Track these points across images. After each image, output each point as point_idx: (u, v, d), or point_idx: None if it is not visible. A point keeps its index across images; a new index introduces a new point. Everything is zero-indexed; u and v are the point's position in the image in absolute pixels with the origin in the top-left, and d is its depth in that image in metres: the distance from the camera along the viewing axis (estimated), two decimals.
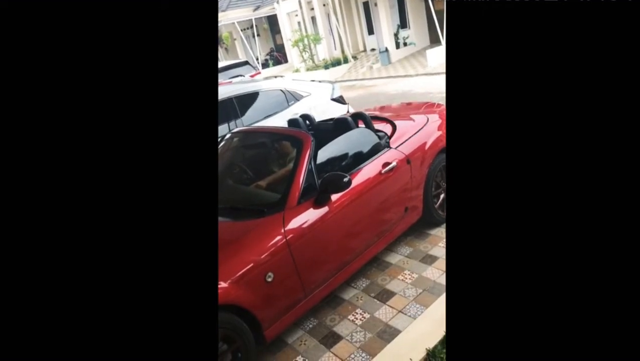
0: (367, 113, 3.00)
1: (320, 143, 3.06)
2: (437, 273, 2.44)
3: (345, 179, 2.12)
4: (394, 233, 2.66)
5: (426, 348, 1.80)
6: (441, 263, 2.52)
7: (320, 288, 2.22)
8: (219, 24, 17.93)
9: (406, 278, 2.46)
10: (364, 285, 2.49)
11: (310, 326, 2.26)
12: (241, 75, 9.45)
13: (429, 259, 2.59)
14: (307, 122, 3.29)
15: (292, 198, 2.12)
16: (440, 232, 2.84)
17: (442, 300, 2.14)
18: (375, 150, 2.59)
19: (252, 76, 9.39)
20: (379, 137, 2.75)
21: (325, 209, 2.17)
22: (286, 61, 17.38)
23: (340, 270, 2.31)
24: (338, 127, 2.81)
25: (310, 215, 2.12)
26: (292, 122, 3.23)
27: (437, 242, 2.75)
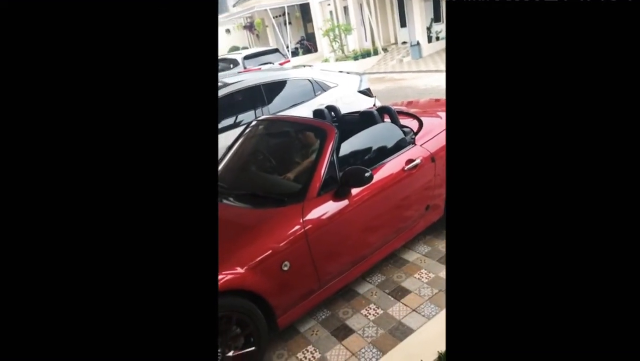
0: (393, 107, 2.96)
1: (344, 136, 3.05)
2: None
3: (367, 174, 2.11)
4: (414, 231, 2.63)
5: (438, 351, 1.78)
6: None
7: (335, 280, 2.22)
8: (252, 10, 18.01)
9: (422, 277, 2.44)
10: (379, 281, 2.48)
11: (323, 317, 2.27)
12: (270, 63, 9.50)
13: None
14: (333, 113, 3.28)
15: (313, 190, 2.12)
16: None
17: None
18: (399, 146, 2.55)
19: (281, 64, 9.41)
20: (404, 133, 2.71)
21: (345, 202, 2.16)
22: (316, 50, 17.29)
23: (356, 264, 2.31)
24: (363, 120, 2.79)
25: (329, 207, 2.12)
26: (317, 113, 3.22)
27: None
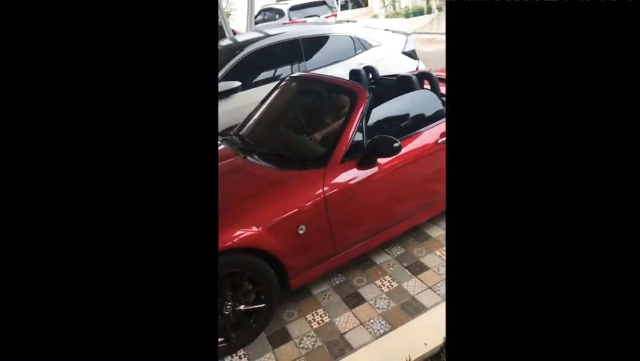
0: (435, 74, 2.77)
1: (379, 100, 2.92)
2: None
3: (396, 144, 2.00)
4: (440, 207, 2.53)
5: (444, 337, 1.74)
6: None
7: (352, 248, 2.20)
8: None
9: (443, 255, 2.37)
10: (398, 253, 2.44)
11: (337, 282, 2.27)
12: (317, 16, 9.16)
13: None
14: (370, 75, 3.12)
15: (337, 155, 2.05)
16: None
17: None
18: (435, 117, 2.40)
19: (327, 17, 9.06)
20: (443, 103, 2.54)
21: (369, 171, 2.09)
22: (367, 5, 16.45)
23: (376, 234, 2.26)
24: (401, 85, 2.63)
25: (352, 176, 2.06)
26: (354, 73, 3.08)
27: None
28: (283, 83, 2.86)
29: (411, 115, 2.40)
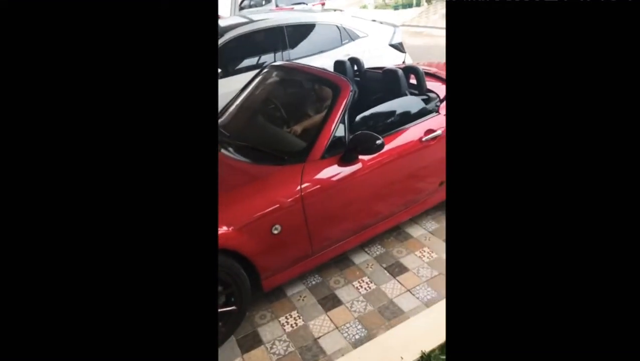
0: (423, 68, 2.68)
1: (364, 94, 2.81)
2: None
3: (379, 141, 1.91)
4: (423, 206, 2.46)
5: (421, 351, 1.67)
6: None
7: (331, 248, 2.11)
8: None
9: (424, 256, 2.30)
10: (377, 253, 2.36)
11: (313, 283, 2.19)
12: (304, 3, 8.94)
13: None
14: (355, 66, 3.01)
15: (317, 151, 1.95)
16: None
17: None
18: (420, 114, 2.31)
19: (314, 5, 8.85)
20: (430, 99, 2.46)
21: (350, 169, 1.99)
22: None
23: (355, 234, 2.18)
24: (387, 79, 2.53)
25: (332, 172, 1.95)
26: (338, 64, 2.96)
27: None
28: (264, 72, 2.73)
29: (395, 112, 2.30)
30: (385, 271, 2.21)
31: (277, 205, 1.80)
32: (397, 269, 2.22)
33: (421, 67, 2.65)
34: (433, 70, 3.01)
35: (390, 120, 2.27)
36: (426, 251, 2.33)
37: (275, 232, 1.81)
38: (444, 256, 2.28)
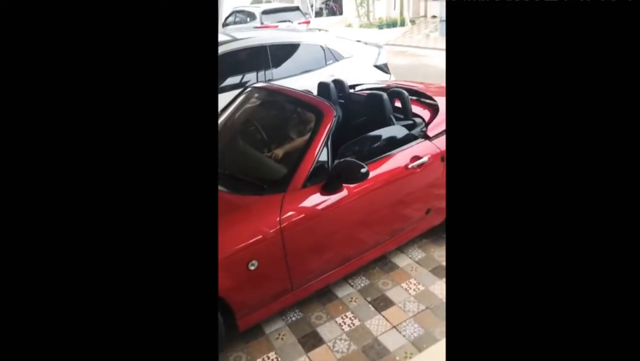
0: (408, 87, 2.62)
1: (349, 117, 2.73)
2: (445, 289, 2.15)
3: (363, 170, 1.81)
4: (409, 235, 2.36)
5: None
6: None
7: (312, 282, 1.98)
8: None
9: (410, 288, 2.19)
10: (361, 285, 2.24)
11: (293, 318, 2.05)
12: (289, 21, 8.97)
13: (441, 271, 2.29)
14: (339, 88, 2.94)
15: (298, 179, 1.84)
16: None
17: (442, 342, 1.86)
18: (405, 141, 2.23)
19: (300, 23, 8.89)
20: (415, 124, 2.39)
21: (332, 198, 1.88)
22: (341, 13, 16.46)
23: (339, 265, 2.06)
24: (371, 103, 2.46)
25: (314, 202, 1.84)
26: (322, 86, 2.88)
27: None
28: (245, 92, 2.63)
29: (379, 139, 2.21)
30: (370, 306, 2.09)
31: (254, 240, 1.68)
32: (382, 303, 2.10)
33: (406, 86, 2.59)
34: (418, 87, 2.95)
35: (374, 147, 2.18)
36: (412, 283, 2.23)
37: (252, 267, 1.68)
38: (430, 288, 2.18)
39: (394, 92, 2.48)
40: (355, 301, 2.14)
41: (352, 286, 2.24)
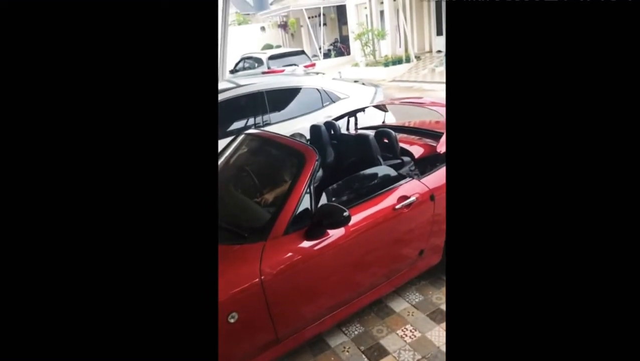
0: (396, 127, 2.62)
1: (341, 158, 2.74)
2: (443, 338, 2.03)
3: (345, 213, 1.78)
4: (405, 277, 2.28)
5: None
6: None
7: (302, 331, 1.91)
8: (288, 10, 17.88)
9: (406, 335, 2.09)
10: (355, 333, 2.15)
11: None
12: (295, 65, 9.26)
13: (439, 316, 2.18)
14: (332, 131, 2.96)
15: (279, 226, 1.81)
16: None
17: None
18: (392, 181, 2.20)
19: (306, 67, 9.16)
20: (403, 163, 2.36)
21: (316, 244, 1.84)
22: (349, 53, 16.96)
23: (330, 313, 1.98)
24: (358, 143, 2.46)
25: (297, 249, 1.81)
26: (314, 129, 2.92)
27: None
28: (239, 139, 2.68)
29: (364, 181, 2.19)
30: (364, 356, 1.99)
31: (233, 292, 1.64)
32: (376, 353, 2.00)
33: (400, 126, 2.59)
34: (411, 125, 2.94)
35: (360, 188, 2.16)
36: (409, 329, 2.12)
37: (232, 320, 1.63)
38: (427, 335, 2.07)
39: (380, 133, 2.48)
40: (348, 351, 2.04)
41: (345, 334, 2.15)
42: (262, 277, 1.69)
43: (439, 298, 2.32)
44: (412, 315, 2.22)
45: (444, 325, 2.11)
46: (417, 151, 2.54)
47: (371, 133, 2.43)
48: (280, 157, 2.45)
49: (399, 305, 2.31)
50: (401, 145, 2.55)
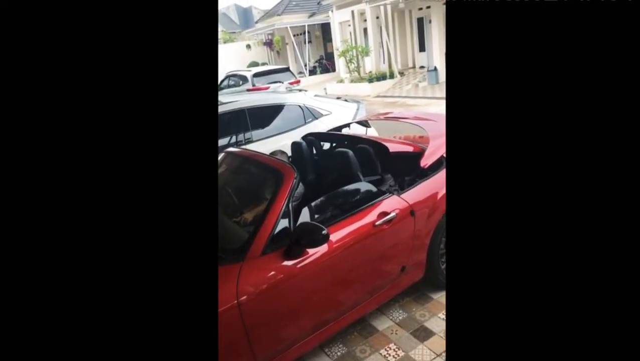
0: (385, 143, 2.62)
1: (323, 174, 2.73)
2: (427, 356, 2.00)
3: (324, 232, 1.75)
4: (388, 294, 2.25)
5: None
6: (435, 343, 2.07)
7: (283, 354, 1.86)
8: (274, 28, 18.11)
9: (389, 355, 2.05)
10: (338, 353, 2.10)
11: None
12: (280, 82, 9.32)
13: (423, 333, 2.15)
14: (313, 147, 2.96)
15: (257, 247, 1.78)
16: (444, 298, 2.39)
17: None
18: (372, 197, 2.19)
19: (290, 83, 9.23)
20: (384, 179, 2.36)
21: (296, 264, 1.81)
22: (334, 70, 17.18)
23: (313, 333, 1.94)
24: (338, 160, 2.46)
25: (275, 270, 1.77)
26: (295, 145, 2.91)
27: (437, 311, 2.30)
28: (219, 159, 2.65)
29: (343, 198, 2.18)
30: None
31: None
32: None
33: (376, 142, 2.60)
34: (393, 144, 2.95)
35: (339, 205, 2.14)
36: (392, 348, 2.08)
37: None
38: (411, 354, 2.03)
39: (359, 149, 2.49)
40: None
41: (328, 355, 2.10)
42: (240, 299, 1.65)
43: (422, 315, 2.29)
44: (396, 333, 2.19)
45: (427, 343, 2.08)
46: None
47: (349, 150, 2.42)
48: (259, 176, 2.43)
49: (383, 323, 2.27)
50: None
